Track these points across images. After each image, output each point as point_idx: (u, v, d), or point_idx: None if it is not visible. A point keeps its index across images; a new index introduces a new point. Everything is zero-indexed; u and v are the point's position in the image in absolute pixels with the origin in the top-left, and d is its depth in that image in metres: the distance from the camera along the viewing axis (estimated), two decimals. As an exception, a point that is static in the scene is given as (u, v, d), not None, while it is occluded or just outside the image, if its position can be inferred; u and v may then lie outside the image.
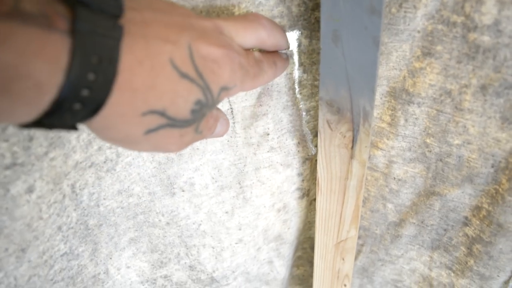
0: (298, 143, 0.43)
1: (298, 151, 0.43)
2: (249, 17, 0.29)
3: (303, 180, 0.47)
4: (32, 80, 0.18)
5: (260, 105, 0.38)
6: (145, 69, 0.22)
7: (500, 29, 0.30)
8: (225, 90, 0.27)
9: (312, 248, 0.53)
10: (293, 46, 0.36)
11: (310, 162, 0.45)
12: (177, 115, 0.24)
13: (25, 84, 0.18)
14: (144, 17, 0.23)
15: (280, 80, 0.37)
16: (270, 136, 0.40)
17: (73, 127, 0.22)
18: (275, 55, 0.33)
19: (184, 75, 0.23)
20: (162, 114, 0.23)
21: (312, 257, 0.51)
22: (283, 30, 0.32)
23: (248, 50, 0.30)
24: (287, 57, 0.35)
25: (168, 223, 0.40)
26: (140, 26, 0.22)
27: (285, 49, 0.34)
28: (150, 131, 0.23)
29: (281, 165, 0.43)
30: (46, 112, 0.19)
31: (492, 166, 0.36)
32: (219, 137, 0.34)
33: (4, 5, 0.17)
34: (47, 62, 0.18)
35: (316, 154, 0.44)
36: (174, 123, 0.24)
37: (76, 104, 0.19)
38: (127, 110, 0.22)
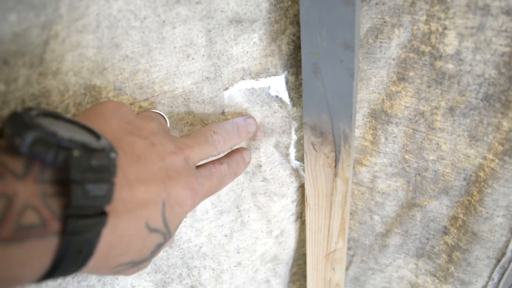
0: (291, 173, 0.45)
1: (292, 181, 0.46)
2: (208, 139, 0.32)
3: (296, 205, 0.49)
4: (15, 282, 0.19)
5: (254, 139, 0.41)
6: (124, 241, 0.23)
7: (461, 58, 0.33)
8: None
9: (306, 263, 0.55)
10: (282, 86, 0.39)
11: (302, 188, 0.48)
12: (140, 259, 0.26)
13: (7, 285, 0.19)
14: (132, 187, 0.24)
15: (276, 120, 0.40)
16: (263, 168, 0.43)
17: None
18: (234, 153, 0.36)
19: (153, 230, 0.26)
20: (129, 263, 0.26)
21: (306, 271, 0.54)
22: (236, 131, 0.35)
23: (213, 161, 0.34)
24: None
25: (171, 246, 0.43)
26: (127, 201, 0.23)
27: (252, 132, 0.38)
28: (116, 273, 0.26)
29: (276, 195, 0.46)
30: None
31: (464, 179, 0.39)
32: None
33: (4, 230, 0.17)
34: (33, 270, 0.19)
35: None
36: (135, 264, 0.26)
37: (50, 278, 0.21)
38: (100, 268, 0.24)
